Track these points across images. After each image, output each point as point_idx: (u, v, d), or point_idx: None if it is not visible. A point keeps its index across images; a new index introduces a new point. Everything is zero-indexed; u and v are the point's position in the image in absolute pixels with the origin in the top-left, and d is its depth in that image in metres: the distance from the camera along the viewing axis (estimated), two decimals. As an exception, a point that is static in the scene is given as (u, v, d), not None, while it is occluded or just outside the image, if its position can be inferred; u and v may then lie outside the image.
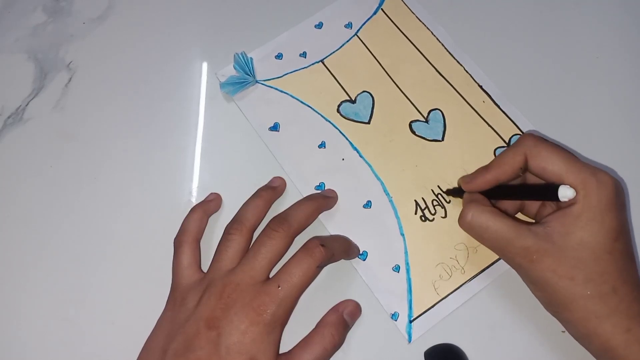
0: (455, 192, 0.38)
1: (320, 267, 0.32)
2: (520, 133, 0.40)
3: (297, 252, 0.33)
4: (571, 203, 0.30)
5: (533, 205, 0.36)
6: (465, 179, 0.35)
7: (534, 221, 0.36)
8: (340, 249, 0.35)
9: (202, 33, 0.45)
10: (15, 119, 0.42)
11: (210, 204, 0.38)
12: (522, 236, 0.31)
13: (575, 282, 0.30)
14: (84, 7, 0.46)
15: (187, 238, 0.36)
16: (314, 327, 0.33)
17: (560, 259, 0.30)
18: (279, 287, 0.31)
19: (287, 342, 0.32)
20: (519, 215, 0.37)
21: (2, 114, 0.42)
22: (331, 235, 0.37)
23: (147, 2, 0.46)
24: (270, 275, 0.33)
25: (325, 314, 0.34)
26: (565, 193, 0.29)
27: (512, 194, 0.35)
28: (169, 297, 0.34)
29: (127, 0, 0.46)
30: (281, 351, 0.32)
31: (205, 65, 0.44)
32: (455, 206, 0.38)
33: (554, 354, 0.34)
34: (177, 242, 0.36)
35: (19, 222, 0.39)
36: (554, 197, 0.30)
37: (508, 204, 0.36)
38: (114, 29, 0.45)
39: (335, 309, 0.34)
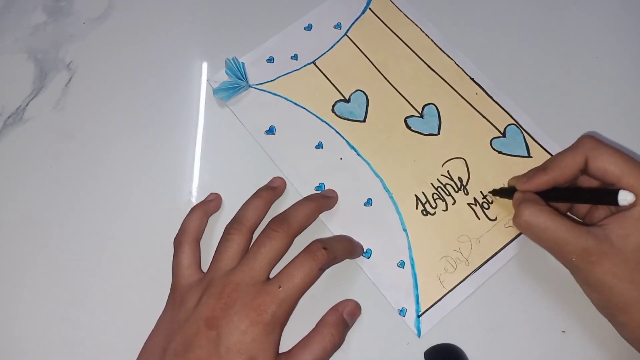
0: (504, 193, 0.37)
1: (322, 270, 0.32)
2: (515, 123, 0.40)
3: (299, 254, 0.32)
4: (631, 205, 0.30)
5: (584, 206, 0.35)
6: (520, 179, 0.35)
7: (582, 221, 0.36)
8: (343, 250, 0.35)
9: (204, 33, 0.45)
10: (15, 119, 0.42)
11: (210, 204, 0.38)
12: (581, 237, 0.30)
13: (636, 284, 0.29)
14: (84, 7, 0.46)
15: (187, 238, 0.36)
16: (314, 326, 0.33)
17: (620, 261, 0.30)
18: (279, 287, 0.31)
19: (287, 342, 0.32)
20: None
21: (2, 114, 0.42)
22: (334, 237, 0.37)
23: (147, 2, 0.46)
24: (270, 276, 0.33)
25: (325, 314, 0.34)
26: (625, 197, 0.29)
27: (568, 197, 0.34)
28: (168, 297, 0.34)
29: (127, 0, 0.46)
30: (281, 350, 0.32)
31: (205, 65, 0.44)
32: (455, 200, 0.38)
33: (554, 354, 0.34)
34: (177, 242, 0.36)
35: (19, 222, 0.39)
36: (613, 201, 0.30)
37: (559, 204, 0.35)
38: (114, 29, 0.45)
39: (335, 308, 0.34)
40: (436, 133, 0.40)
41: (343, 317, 0.34)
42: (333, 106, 0.42)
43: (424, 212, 0.38)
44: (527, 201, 0.33)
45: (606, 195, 0.31)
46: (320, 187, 0.39)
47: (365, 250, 0.37)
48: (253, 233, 0.35)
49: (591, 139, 0.33)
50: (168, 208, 0.39)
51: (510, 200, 0.37)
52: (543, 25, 0.44)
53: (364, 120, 0.41)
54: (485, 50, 0.43)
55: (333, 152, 0.40)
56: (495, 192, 0.38)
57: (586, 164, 0.32)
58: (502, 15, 0.44)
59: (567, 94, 0.41)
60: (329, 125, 0.41)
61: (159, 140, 0.41)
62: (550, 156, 0.39)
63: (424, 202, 0.38)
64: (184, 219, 0.37)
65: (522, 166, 0.39)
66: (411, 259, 0.37)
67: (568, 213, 0.37)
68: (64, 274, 0.37)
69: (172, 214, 0.37)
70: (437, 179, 0.39)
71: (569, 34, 0.44)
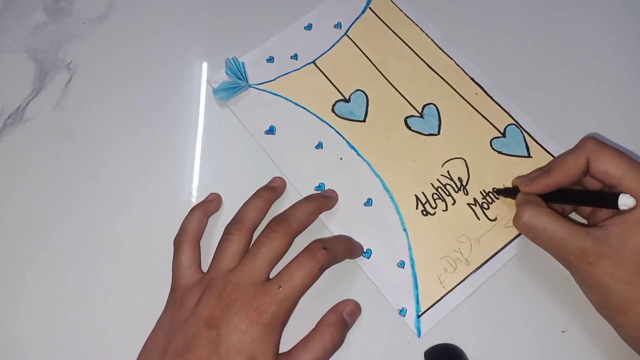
0: (508, 192, 0.37)
1: (322, 270, 0.32)
2: (515, 123, 0.40)
3: (299, 254, 0.33)
4: (631, 209, 0.30)
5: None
6: (524, 181, 0.35)
7: (586, 221, 0.36)
8: (343, 250, 0.35)
9: (204, 33, 0.45)
10: (15, 119, 0.42)
11: (210, 204, 0.38)
12: (579, 238, 0.31)
13: (633, 286, 0.30)
14: (84, 7, 0.46)
15: (187, 238, 0.36)
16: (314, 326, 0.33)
17: (618, 262, 0.30)
18: (279, 287, 0.31)
19: (287, 342, 0.32)
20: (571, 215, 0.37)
21: (2, 114, 0.42)
22: (334, 237, 0.37)
23: (147, 2, 0.46)
24: (271, 276, 0.33)
25: (325, 314, 0.34)
26: (625, 202, 0.29)
27: (570, 199, 0.34)
28: (168, 297, 0.34)
29: (127, 0, 0.46)
30: (281, 350, 0.32)
31: (205, 65, 0.44)
32: (455, 200, 0.38)
33: (554, 354, 0.34)
34: (177, 242, 0.36)
35: (19, 222, 0.39)
36: (614, 205, 0.30)
37: (564, 204, 0.36)
38: (114, 29, 0.45)
39: (335, 308, 0.34)
40: (436, 133, 0.40)
41: (343, 317, 0.34)
42: (333, 106, 0.42)
43: (424, 212, 0.38)
44: (526, 202, 0.33)
45: (607, 198, 0.31)
46: (320, 187, 0.39)
47: (365, 250, 0.37)
48: (253, 233, 0.35)
49: (593, 141, 0.33)
50: (168, 208, 0.39)
51: (513, 200, 0.37)
52: (543, 25, 0.44)
53: (364, 120, 0.41)
54: (485, 50, 0.43)
55: (333, 152, 0.40)
56: (499, 192, 0.38)
57: (588, 166, 0.32)
58: (502, 15, 0.44)
59: (567, 94, 0.41)
60: (329, 125, 0.41)
61: (159, 140, 0.41)
62: (550, 156, 0.39)
63: (424, 202, 0.38)
64: (184, 219, 0.37)
65: (522, 166, 0.39)
66: (411, 259, 0.37)
67: (573, 213, 0.37)
68: (63, 274, 0.37)
69: (172, 214, 0.37)
70: (437, 179, 0.39)
71: (569, 34, 0.44)
